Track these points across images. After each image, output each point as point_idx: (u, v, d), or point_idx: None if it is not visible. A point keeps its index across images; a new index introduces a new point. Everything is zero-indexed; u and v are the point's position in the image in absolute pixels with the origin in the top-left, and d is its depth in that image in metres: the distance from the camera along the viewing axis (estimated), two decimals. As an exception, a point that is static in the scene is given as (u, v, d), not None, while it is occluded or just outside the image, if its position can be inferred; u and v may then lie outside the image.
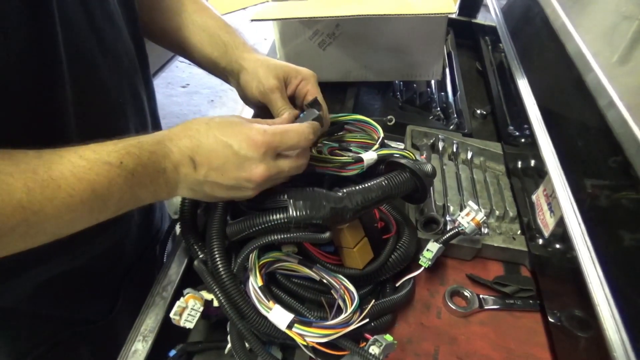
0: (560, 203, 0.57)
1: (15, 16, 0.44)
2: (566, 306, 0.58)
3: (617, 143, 0.47)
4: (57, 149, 0.44)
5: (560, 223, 0.60)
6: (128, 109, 0.64)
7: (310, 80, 0.67)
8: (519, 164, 0.81)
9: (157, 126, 0.79)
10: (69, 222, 0.44)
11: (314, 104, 0.61)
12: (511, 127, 0.91)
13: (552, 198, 0.64)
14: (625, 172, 0.46)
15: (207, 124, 0.50)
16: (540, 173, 0.71)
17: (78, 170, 0.43)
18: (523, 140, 0.83)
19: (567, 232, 0.54)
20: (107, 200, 0.45)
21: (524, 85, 0.81)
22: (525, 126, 0.80)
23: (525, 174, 0.78)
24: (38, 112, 0.50)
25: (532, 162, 0.75)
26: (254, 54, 0.69)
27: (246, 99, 0.71)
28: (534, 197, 0.71)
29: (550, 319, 0.62)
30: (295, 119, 0.60)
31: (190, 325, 0.53)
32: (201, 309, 0.54)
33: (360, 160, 0.63)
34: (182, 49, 0.74)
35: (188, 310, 0.53)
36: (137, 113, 0.67)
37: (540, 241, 0.67)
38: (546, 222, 0.65)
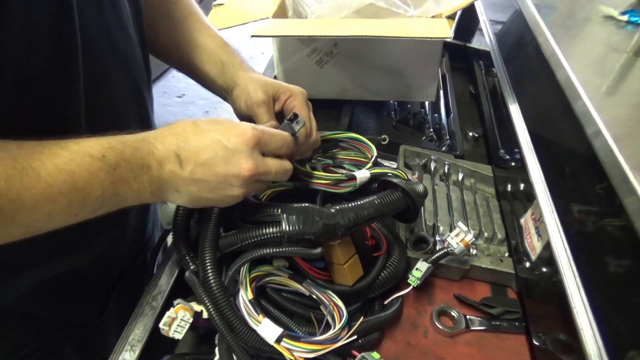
0: (548, 227, 0.59)
1: (41, 19, 0.45)
2: (551, 329, 0.59)
3: (602, 171, 0.48)
4: (39, 141, 0.44)
5: (547, 247, 0.61)
6: (131, 116, 0.65)
7: (298, 97, 0.69)
8: (509, 187, 0.82)
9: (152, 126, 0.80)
10: (46, 214, 0.43)
11: (294, 119, 0.61)
12: (502, 151, 0.93)
13: (539, 222, 0.65)
14: (610, 199, 0.48)
15: (194, 122, 0.50)
16: (529, 197, 0.72)
17: (59, 161, 0.42)
18: (513, 164, 0.84)
19: (553, 257, 0.55)
20: (87, 195, 0.44)
21: (515, 110, 0.83)
22: (516, 150, 0.81)
23: (515, 197, 0.79)
24: (54, 111, 0.51)
25: (522, 186, 0.76)
26: (248, 72, 0.72)
27: (238, 114, 0.73)
28: (522, 221, 0.72)
29: (535, 342, 0.62)
30: None
31: (179, 336, 0.53)
32: (191, 320, 0.54)
33: (354, 178, 0.64)
34: (184, 65, 0.76)
35: (177, 321, 0.53)
36: (141, 120, 0.68)
37: (527, 264, 0.68)
38: (533, 246, 0.66)
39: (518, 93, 0.87)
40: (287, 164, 0.54)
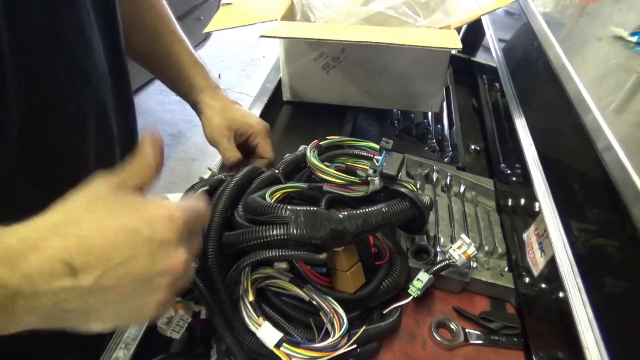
0: (553, 243, 0.58)
1: None
2: (552, 347, 0.58)
3: (613, 187, 0.48)
4: None
5: (551, 263, 0.61)
6: (90, 127, 0.60)
7: (260, 134, 0.80)
8: (511, 201, 0.82)
9: (132, 141, 0.76)
10: None
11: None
12: (503, 165, 0.93)
13: (543, 238, 0.65)
14: (621, 215, 0.47)
15: (88, 210, 0.35)
16: (531, 212, 0.72)
17: None
18: (515, 178, 0.84)
19: (558, 273, 0.55)
20: None
21: (521, 125, 0.83)
22: (519, 165, 0.81)
23: (516, 212, 0.79)
24: None
25: (524, 201, 0.76)
26: (215, 101, 0.80)
27: (205, 134, 0.82)
28: (524, 236, 0.72)
29: (534, 359, 0.62)
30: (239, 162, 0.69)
31: (176, 336, 0.52)
32: (189, 319, 0.53)
33: (368, 182, 0.63)
34: (157, 74, 0.81)
35: (176, 320, 0.52)
36: (101, 133, 0.64)
37: (529, 280, 0.68)
38: (536, 261, 0.66)
39: (524, 107, 0.87)
40: (200, 238, 0.44)
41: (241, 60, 3.78)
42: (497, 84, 1.19)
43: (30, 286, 0.33)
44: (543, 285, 0.63)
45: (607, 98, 0.63)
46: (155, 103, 3.13)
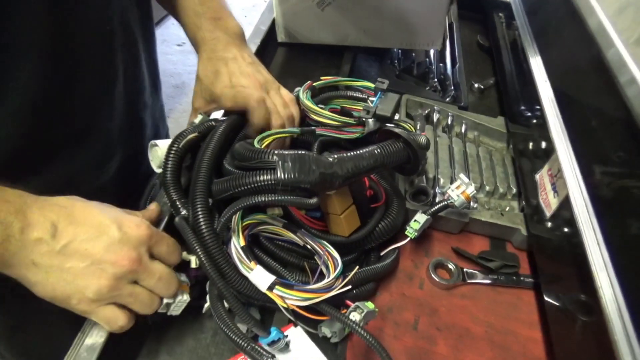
0: (567, 183, 0.56)
1: None
2: (564, 288, 0.57)
3: (635, 123, 0.45)
4: None
5: (564, 204, 0.59)
6: (116, 40, 0.60)
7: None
8: (524, 142, 0.79)
9: (155, 80, 0.76)
10: None
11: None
12: (522, 107, 0.89)
13: (557, 178, 0.63)
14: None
15: (84, 201, 0.47)
16: (545, 152, 0.69)
17: None
18: (529, 118, 0.81)
19: (572, 213, 0.53)
20: None
21: (536, 62, 0.79)
22: (533, 104, 0.77)
23: (530, 153, 0.76)
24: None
25: (538, 142, 0.73)
26: (207, 62, 0.67)
27: None
28: (536, 177, 0.70)
29: (546, 298, 0.61)
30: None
31: (177, 314, 0.53)
32: (188, 299, 0.52)
33: (363, 124, 0.60)
34: (166, 9, 0.74)
35: (174, 304, 0.51)
36: (129, 51, 0.64)
37: (541, 221, 0.66)
38: (548, 202, 0.64)
39: (540, 43, 0.82)
40: (174, 277, 0.50)
41: (242, 6, 3.65)
42: (509, 20, 1.13)
43: (20, 225, 0.41)
44: (556, 226, 0.61)
45: (631, 30, 0.58)
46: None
